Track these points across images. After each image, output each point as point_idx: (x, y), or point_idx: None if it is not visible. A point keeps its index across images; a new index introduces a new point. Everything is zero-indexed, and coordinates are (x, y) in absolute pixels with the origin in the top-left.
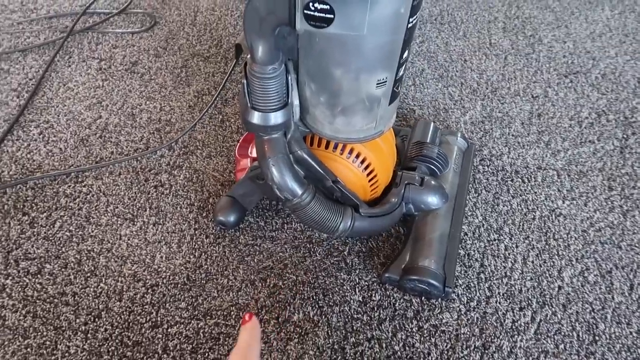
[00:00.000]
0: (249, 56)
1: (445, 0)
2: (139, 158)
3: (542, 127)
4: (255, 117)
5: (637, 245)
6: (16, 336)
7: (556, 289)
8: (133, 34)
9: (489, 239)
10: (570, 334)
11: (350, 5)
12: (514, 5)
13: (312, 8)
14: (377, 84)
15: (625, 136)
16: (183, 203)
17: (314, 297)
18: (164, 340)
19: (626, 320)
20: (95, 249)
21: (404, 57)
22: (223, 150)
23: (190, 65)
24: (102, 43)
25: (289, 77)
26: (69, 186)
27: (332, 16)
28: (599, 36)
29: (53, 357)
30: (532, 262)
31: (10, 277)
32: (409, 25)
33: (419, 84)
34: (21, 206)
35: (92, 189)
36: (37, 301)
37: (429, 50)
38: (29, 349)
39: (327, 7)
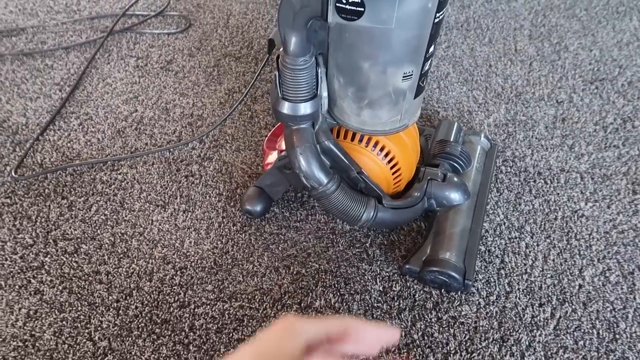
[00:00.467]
0: (281, 49)
1: (472, 8)
2: (172, 149)
3: (566, 131)
4: (286, 107)
5: None
6: (53, 309)
7: (577, 287)
8: (169, 35)
9: (510, 236)
10: (590, 331)
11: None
12: (541, 14)
13: (344, 1)
14: (404, 77)
15: None
16: (212, 192)
17: (336, 285)
18: (190, 319)
19: None
20: (128, 232)
21: (430, 51)
22: (251, 144)
23: (222, 64)
24: (140, 43)
25: (319, 70)
26: (105, 173)
27: (362, 9)
28: (626, 45)
29: (86, 331)
30: (553, 260)
31: (49, 255)
32: (436, 20)
33: (444, 87)
34: (61, 190)
35: (126, 176)
36: (73, 278)
37: (455, 55)
38: (64, 322)
39: (358, 0)
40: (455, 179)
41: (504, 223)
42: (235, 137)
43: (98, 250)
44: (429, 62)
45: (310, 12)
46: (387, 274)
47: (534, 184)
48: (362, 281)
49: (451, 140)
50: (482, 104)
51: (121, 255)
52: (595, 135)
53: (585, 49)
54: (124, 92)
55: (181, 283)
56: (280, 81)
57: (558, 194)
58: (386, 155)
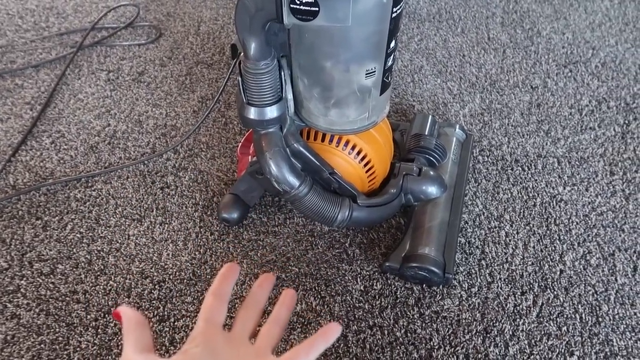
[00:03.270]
0: (242, 54)
1: None
2: (146, 162)
3: (541, 117)
4: (252, 113)
5: (639, 227)
6: (30, 333)
7: (558, 272)
8: (139, 46)
9: (489, 226)
10: (573, 316)
11: None
12: (512, 1)
13: (298, 2)
14: (367, 74)
15: (626, 122)
16: (188, 203)
17: (316, 288)
18: (170, 333)
19: (630, 301)
20: (104, 249)
21: (391, 46)
22: (226, 151)
23: (194, 72)
24: (110, 56)
25: (282, 72)
26: (80, 191)
27: (317, 9)
28: (599, 26)
29: (65, 352)
30: (533, 247)
31: (24, 278)
32: (394, 14)
33: (418, 80)
34: (34, 211)
35: (101, 192)
36: (50, 300)
37: (428, 48)
38: (42, 345)
39: (312, 0)
40: (431, 172)
41: (483, 213)
42: (210, 145)
43: (74, 269)
44: (392, 57)
45: (266, 15)
46: (368, 272)
47: (511, 172)
48: (342, 282)
49: (426, 133)
50: (457, 94)
51: (98, 273)
52: (571, 118)
53: (558, 33)
54: (96, 106)
55: (160, 297)
56: (244, 86)
57: (536, 180)
58: (358, 153)
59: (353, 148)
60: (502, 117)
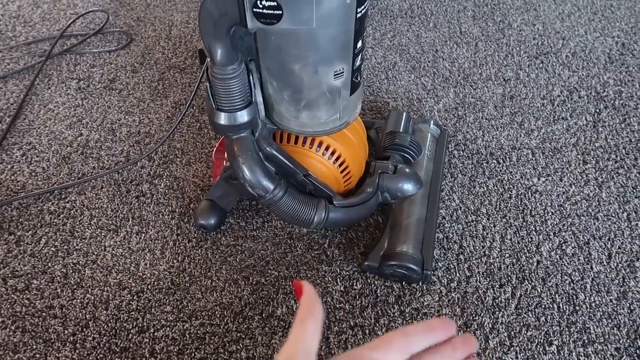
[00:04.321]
0: (208, 59)
1: None
2: (120, 171)
3: (514, 109)
4: (222, 118)
5: (613, 215)
6: (7, 352)
7: (535, 263)
8: (110, 53)
9: (466, 220)
10: (551, 306)
11: (296, 1)
12: None
13: (261, 6)
14: (335, 75)
15: (597, 110)
16: (165, 211)
17: None
18: (150, 344)
19: (605, 289)
20: (80, 262)
21: (358, 47)
22: (202, 156)
23: (167, 77)
24: (80, 64)
25: (251, 76)
26: (53, 203)
27: (280, 12)
28: (568, 16)
29: None
30: (510, 239)
31: None
32: (358, 15)
33: (392, 77)
34: (7, 226)
35: (75, 204)
36: (26, 316)
37: (401, 44)
38: None
39: (275, 3)
40: (407, 169)
41: (460, 208)
42: (184, 151)
43: (50, 284)
44: (360, 57)
45: (230, 19)
46: (348, 273)
47: (487, 165)
48: (322, 283)
49: (400, 130)
50: (430, 90)
51: (75, 287)
52: (544, 109)
53: (529, 24)
54: (67, 116)
55: (139, 307)
56: (213, 92)
57: (511, 172)
58: (332, 154)
59: (327, 149)
60: (476, 111)
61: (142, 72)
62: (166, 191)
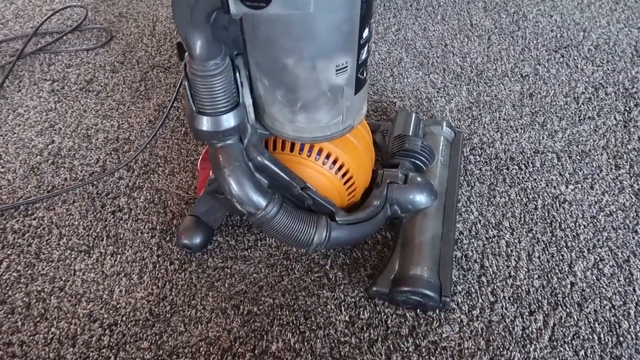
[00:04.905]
0: (187, 54)
1: None
2: (95, 182)
3: (535, 108)
4: (204, 123)
5: None
6: None
7: (569, 286)
8: (88, 51)
9: (487, 236)
10: (590, 337)
11: None
12: None
13: None
14: (337, 70)
15: (627, 109)
16: (144, 228)
17: (294, 322)
18: None
19: None
20: (46, 289)
21: (364, 36)
22: (187, 165)
23: (150, 77)
24: (55, 63)
25: (238, 73)
26: (18, 220)
27: None
28: (588, 6)
29: None
30: (539, 257)
31: None
32: None
33: (398, 74)
34: None
35: (42, 221)
36: None
37: (406, 38)
38: None
39: None
40: (419, 178)
41: (480, 221)
42: (168, 159)
43: (10, 315)
44: (366, 48)
45: (209, 3)
46: (353, 299)
47: (507, 172)
48: (324, 312)
49: (410, 134)
50: (441, 88)
51: (38, 319)
52: (567, 108)
53: (545, 16)
54: (38, 121)
55: (111, 344)
56: (193, 92)
57: (535, 179)
58: (334, 163)
59: (328, 157)
60: (492, 111)
61: (122, 71)
62: (146, 205)
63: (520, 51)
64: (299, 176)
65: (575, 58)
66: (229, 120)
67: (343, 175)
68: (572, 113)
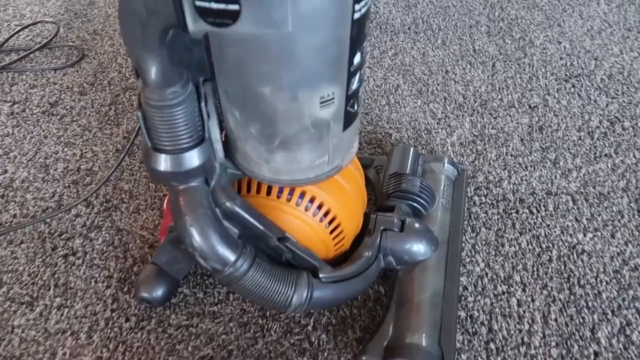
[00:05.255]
0: (139, 80)
1: (419, 7)
2: (48, 220)
3: (546, 143)
4: (162, 162)
5: None
6: None
7: (592, 356)
8: (55, 71)
9: (495, 292)
10: None
11: None
12: (497, 7)
13: None
14: (322, 102)
15: None
16: (99, 276)
17: None
18: None
19: None
20: None
21: (355, 62)
22: (155, 201)
23: (122, 101)
24: (18, 83)
25: (203, 103)
26: None
27: (237, 7)
28: (598, 33)
29: None
30: (556, 320)
31: None
32: (357, 14)
33: (394, 102)
34: None
35: None
36: None
37: (404, 63)
38: None
39: None
40: (417, 225)
41: (487, 274)
42: (133, 194)
43: None
44: (357, 77)
45: (163, 19)
46: None
47: (517, 216)
48: None
49: (407, 171)
50: (442, 119)
51: None
52: (581, 144)
53: (553, 42)
54: None
55: None
56: (148, 125)
57: (548, 225)
58: (319, 208)
59: (311, 202)
60: (498, 145)
61: (91, 94)
62: (104, 248)
63: (527, 80)
64: (277, 224)
65: (588, 88)
66: (192, 159)
67: (329, 223)
68: (586, 149)
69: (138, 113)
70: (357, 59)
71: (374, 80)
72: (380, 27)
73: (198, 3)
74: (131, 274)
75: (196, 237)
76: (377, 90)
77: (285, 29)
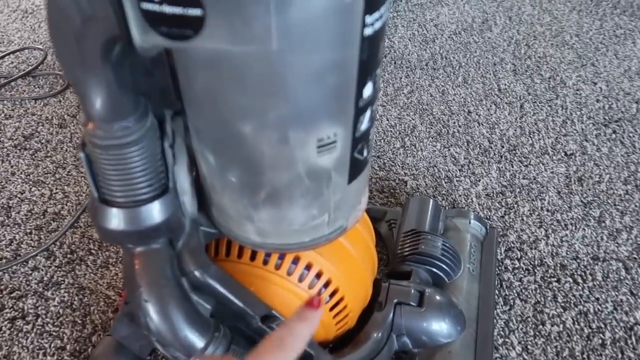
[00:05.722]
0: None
1: (437, 42)
2: (0, 273)
3: (587, 197)
4: (113, 218)
5: None
6: None
7: None
8: (36, 100)
9: None
10: None
11: None
12: (523, 44)
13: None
14: (320, 146)
15: None
16: (49, 346)
17: None
18: None
19: None
20: None
21: (365, 94)
22: None
23: None
24: None
25: (167, 142)
26: None
27: (199, 12)
28: (637, 74)
29: None
30: None
31: None
32: (367, 30)
33: (410, 145)
34: None
35: None
36: None
37: (421, 102)
38: None
39: None
40: (438, 297)
41: None
42: (103, 245)
43: None
44: (368, 114)
45: (102, 29)
46: None
47: (558, 286)
48: None
49: (426, 228)
50: (464, 165)
51: None
52: (630, 199)
53: (588, 83)
54: None
55: None
56: (93, 170)
57: (598, 299)
58: (317, 278)
59: (308, 269)
60: (532, 198)
61: (71, 126)
62: (60, 311)
63: (561, 123)
64: (261, 299)
65: (631, 135)
66: (151, 214)
67: (330, 297)
68: (636, 206)
69: (81, 154)
70: (367, 90)
71: (387, 120)
72: (395, 62)
73: (145, 5)
74: (88, 345)
75: (153, 316)
76: (391, 131)
77: (269, 46)
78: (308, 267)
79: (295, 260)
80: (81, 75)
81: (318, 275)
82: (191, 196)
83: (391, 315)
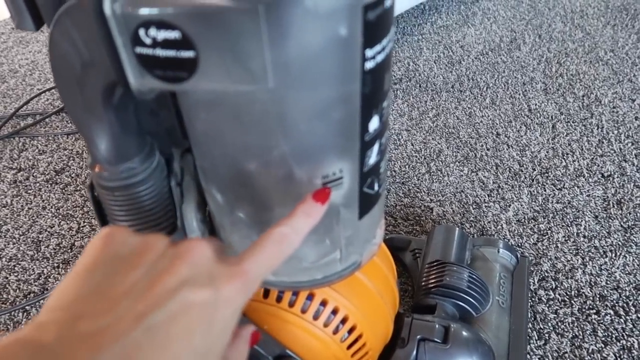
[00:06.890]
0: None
1: (464, 64)
2: (28, 307)
3: (628, 221)
4: None
5: None
6: None
7: None
8: (68, 136)
9: None
10: None
11: (225, 27)
12: (554, 62)
13: (149, 40)
14: (325, 183)
15: None
16: None
17: None
18: None
19: None
20: None
21: (370, 128)
22: None
23: None
24: (28, 149)
25: (175, 180)
26: None
27: (192, 54)
28: None
29: None
30: None
31: None
32: (368, 63)
33: (436, 170)
34: None
35: None
36: None
37: (447, 125)
38: None
39: (178, 35)
40: (465, 332)
41: None
42: None
43: None
44: (376, 148)
45: (102, 74)
46: None
47: (598, 318)
48: None
49: (452, 259)
50: (493, 190)
51: None
52: None
53: (625, 100)
54: None
55: None
56: (100, 210)
57: None
58: (333, 314)
59: (323, 306)
60: (566, 224)
61: None
62: None
63: (597, 144)
64: (275, 339)
65: None
66: None
67: (347, 334)
68: None
69: (88, 194)
70: (373, 124)
71: (412, 145)
72: (420, 86)
73: (138, 50)
74: None
75: None
76: (416, 156)
77: (265, 85)
78: (323, 303)
79: (309, 297)
80: (85, 119)
81: (334, 312)
82: (200, 235)
83: (414, 352)
